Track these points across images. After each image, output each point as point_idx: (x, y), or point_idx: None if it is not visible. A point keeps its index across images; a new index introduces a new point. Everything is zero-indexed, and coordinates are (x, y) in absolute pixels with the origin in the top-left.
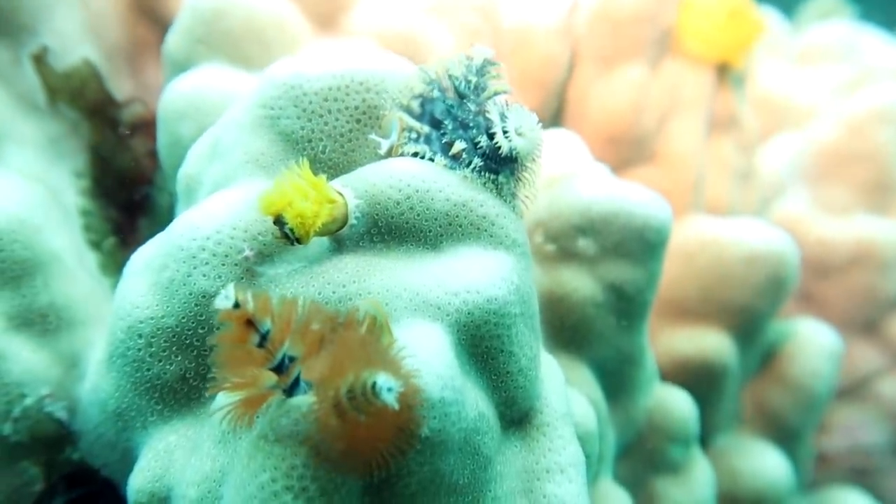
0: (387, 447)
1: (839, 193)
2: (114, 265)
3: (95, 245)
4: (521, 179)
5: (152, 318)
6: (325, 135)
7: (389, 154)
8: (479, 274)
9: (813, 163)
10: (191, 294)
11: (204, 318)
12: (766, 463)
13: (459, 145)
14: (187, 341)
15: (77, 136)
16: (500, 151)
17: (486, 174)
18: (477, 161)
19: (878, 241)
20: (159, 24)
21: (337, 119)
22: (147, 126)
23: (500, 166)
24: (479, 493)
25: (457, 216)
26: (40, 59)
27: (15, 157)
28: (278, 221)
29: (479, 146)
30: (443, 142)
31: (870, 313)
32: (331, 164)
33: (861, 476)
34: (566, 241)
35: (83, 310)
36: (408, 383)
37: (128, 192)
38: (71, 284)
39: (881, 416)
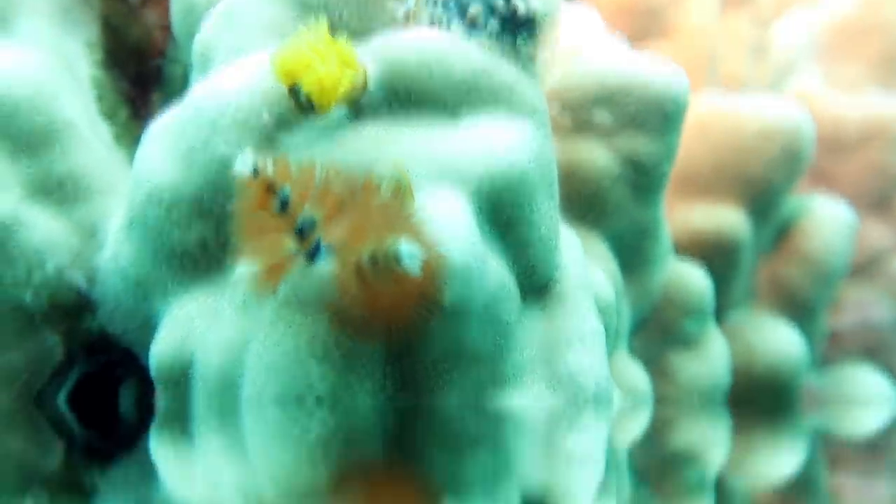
0: (408, 314)
1: (852, 70)
2: (129, 136)
3: (109, 116)
4: (539, 43)
5: (172, 184)
6: (342, 0)
7: (407, 19)
8: (500, 141)
9: (826, 38)
10: (210, 160)
11: (224, 184)
12: (780, 338)
13: (475, 8)
14: (207, 208)
15: (89, 5)
16: (517, 13)
17: (504, 37)
18: (494, 24)
19: (890, 117)
20: None
21: None
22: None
23: (517, 29)
24: (499, 362)
25: (476, 83)
26: None
27: (27, 26)
28: (293, 91)
29: (495, 8)
30: (460, 5)
31: (882, 190)
32: (348, 32)
33: (872, 353)
34: (582, 112)
35: (100, 179)
36: (430, 250)
37: (140, 64)
38: (87, 153)
39: (892, 294)
